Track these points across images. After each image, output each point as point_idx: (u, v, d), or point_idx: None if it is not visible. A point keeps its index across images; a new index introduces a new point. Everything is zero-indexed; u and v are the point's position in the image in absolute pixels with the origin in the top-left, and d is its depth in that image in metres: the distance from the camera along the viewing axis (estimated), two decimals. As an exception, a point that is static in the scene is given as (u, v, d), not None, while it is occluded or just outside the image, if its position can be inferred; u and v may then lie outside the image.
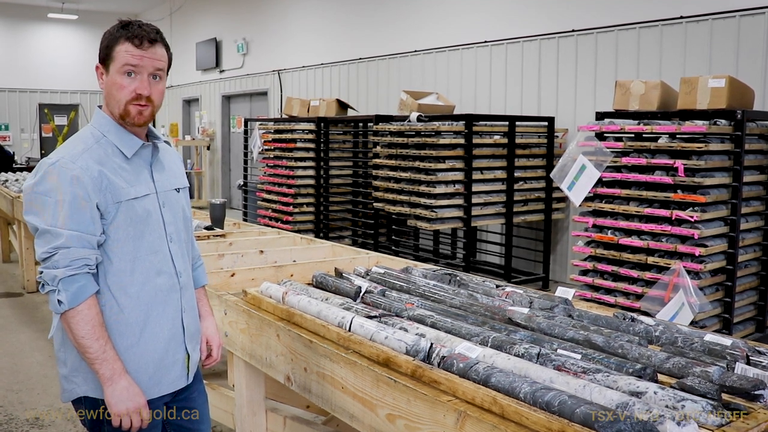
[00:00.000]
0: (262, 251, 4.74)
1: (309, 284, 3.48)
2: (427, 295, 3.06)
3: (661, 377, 2.16)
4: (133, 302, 2.18)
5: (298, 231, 10.45)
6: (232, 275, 3.95)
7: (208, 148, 17.60)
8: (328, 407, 2.61)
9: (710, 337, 2.44)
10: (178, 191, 2.39)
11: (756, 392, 1.97)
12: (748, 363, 2.23)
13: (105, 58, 2.19)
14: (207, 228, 5.44)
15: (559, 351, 2.29)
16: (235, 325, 3.23)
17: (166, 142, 2.44)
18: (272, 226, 10.75)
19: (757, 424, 1.81)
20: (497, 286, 3.26)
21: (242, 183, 13.31)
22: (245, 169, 13.03)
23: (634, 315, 2.74)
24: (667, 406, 1.86)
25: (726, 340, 2.41)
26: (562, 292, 3.06)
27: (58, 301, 2.04)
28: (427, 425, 2.12)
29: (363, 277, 3.48)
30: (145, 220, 2.21)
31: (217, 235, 5.36)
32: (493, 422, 1.91)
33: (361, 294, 3.10)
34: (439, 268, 3.69)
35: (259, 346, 3.05)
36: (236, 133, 16.64)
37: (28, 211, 2.10)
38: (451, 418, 2.03)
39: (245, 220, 12.52)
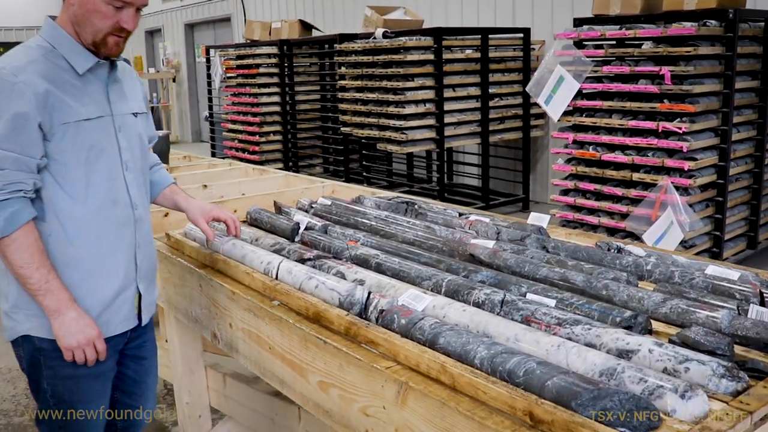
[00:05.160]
0: (205, 185, 4.24)
1: (243, 221, 3.00)
2: (376, 229, 2.60)
3: (656, 326, 1.72)
4: (83, 234, 1.98)
5: (265, 162, 9.94)
6: (165, 215, 3.46)
7: (174, 81, 16.86)
8: (257, 370, 2.17)
9: (713, 269, 2.00)
10: (136, 116, 2.16)
11: (777, 342, 1.54)
12: (763, 303, 1.79)
13: None
14: (149, 161, 4.91)
15: (529, 296, 1.84)
16: (159, 273, 2.76)
17: (125, 60, 2.16)
18: (239, 158, 10.25)
19: (783, 389, 1.38)
20: (460, 215, 2.80)
21: (208, 115, 12.71)
22: (210, 100, 12.40)
23: (621, 244, 2.29)
24: (666, 370, 1.42)
25: (733, 273, 1.97)
26: (535, 219, 2.61)
27: None
28: (364, 397, 1.68)
29: (306, 211, 3.01)
30: (98, 145, 2.00)
31: (160, 169, 4.84)
32: (442, 397, 1.47)
33: (299, 231, 2.63)
34: (396, 195, 3.22)
35: (184, 298, 2.60)
36: (202, 63, 15.81)
37: None
38: (390, 389, 1.59)
39: (213, 154, 11.96)
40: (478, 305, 1.81)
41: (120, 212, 2.04)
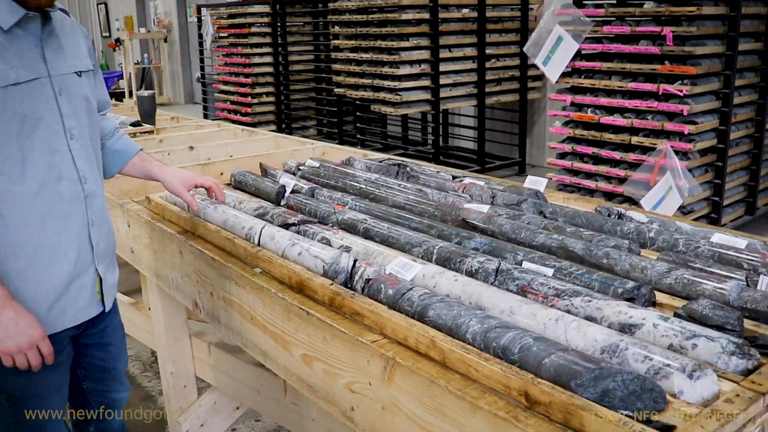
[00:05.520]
0: (192, 147, 4.10)
1: (227, 184, 2.88)
2: (365, 192, 2.48)
3: (660, 297, 1.61)
4: (23, 217, 1.72)
5: (258, 124, 9.78)
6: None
7: (165, 41, 16.53)
8: (239, 341, 2.07)
9: (719, 237, 1.89)
10: (80, 75, 1.86)
11: (790, 316, 1.44)
12: (774, 273, 1.69)
13: None
14: (134, 124, 4.77)
15: (525, 264, 1.73)
16: (140, 239, 2.65)
17: (62, 10, 1.86)
18: (232, 120, 10.08)
19: (798, 367, 1.28)
20: (454, 178, 2.68)
21: (200, 76, 12.49)
22: (202, 61, 12.17)
23: (621, 210, 2.18)
24: (671, 347, 1.32)
25: (739, 241, 1.86)
26: (532, 182, 2.49)
27: None
28: (349, 372, 1.58)
29: (293, 173, 2.88)
30: (36, 112, 1.71)
31: (145, 132, 4.71)
32: (431, 374, 1.36)
33: (284, 195, 2.51)
34: (387, 157, 3.09)
35: (164, 265, 2.48)
36: (194, 23, 15.50)
37: None
38: (376, 365, 1.49)
39: (206, 116, 11.78)
40: (471, 274, 1.71)
41: (66, 189, 1.78)
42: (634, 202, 5.18)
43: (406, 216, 2.16)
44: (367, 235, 2.05)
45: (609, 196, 5.44)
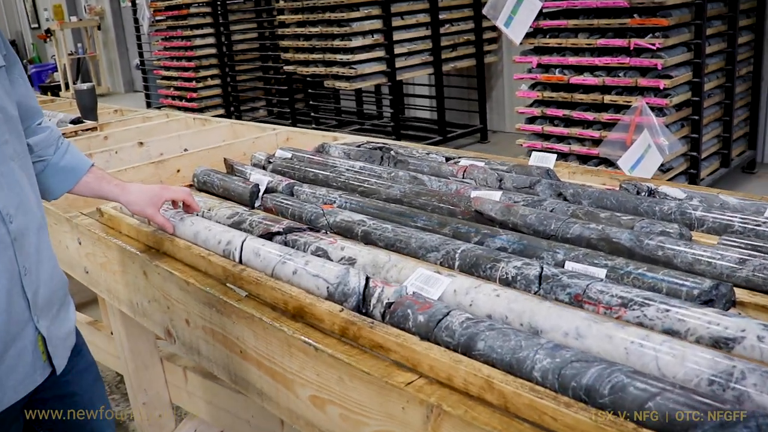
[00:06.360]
0: (141, 143, 3.72)
1: (190, 185, 2.54)
2: (352, 186, 2.17)
3: (739, 294, 1.34)
4: None
5: (205, 109, 9.33)
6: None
7: (99, 28, 15.79)
8: (227, 377, 1.75)
9: (779, 209, 1.64)
10: None
11: None
12: None
13: None
14: (74, 121, 4.35)
15: (569, 265, 1.45)
16: (94, 258, 2.30)
17: None
18: (176, 107, 9.60)
19: None
20: (448, 159, 2.38)
21: (139, 63, 11.91)
22: (140, 47, 11.60)
23: (651, 185, 1.90)
24: (796, 369, 1.05)
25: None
26: (538, 159, 2.21)
27: None
28: (376, 420, 1.28)
29: (263, 167, 2.55)
30: None
31: (87, 129, 4.30)
32: (493, 426, 1.07)
33: (258, 196, 2.19)
34: (366, 141, 2.77)
35: (126, 287, 2.14)
36: (128, 8, 14.80)
37: None
38: (415, 413, 1.19)
39: (149, 104, 11.25)
40: (507, 283, 1.42)
41: None
42: (610, 164, 4.97)
43: (409, 212, 1.86)
44: (368, 239, 1.75)
45: (584, 159, 5.21)
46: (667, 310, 1.21)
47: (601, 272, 1.39)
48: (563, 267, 1.45)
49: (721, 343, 1.13)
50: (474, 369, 1.14)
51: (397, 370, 1.25)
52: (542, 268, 1.39)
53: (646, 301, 1.23)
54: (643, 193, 1.88)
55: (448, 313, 1.25)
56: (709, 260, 1.41)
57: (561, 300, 1.33)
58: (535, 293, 1.37)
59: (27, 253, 1.42)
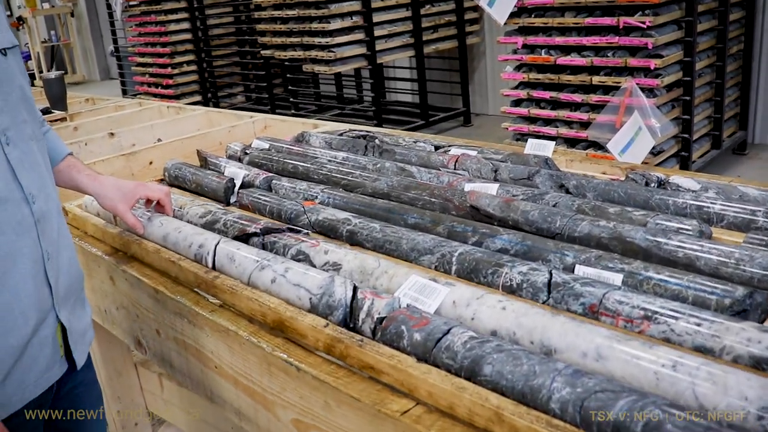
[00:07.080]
0: (112, 133, 3.53)
1: (161, 180, 2.36)
2: (335, 178, 2.00)
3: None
4: None
5: (182, 96, 9.10)
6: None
7: (72, 15, 15.42)
8: (203, 393, 1.59)
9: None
10: (5, 54, 1.32)
11: None
12: None
13: None
14: (43, 111, 4.14)
15: (580, 269, 1.30)
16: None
17: None
18: (153, 94, 9.35)
19: None
20: (437, 148, 2.22)
21: (113, 49, 11.61)
22: (114, 33, 11.30)
23: (660, 175, 1.76)
24: None
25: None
26: (535, 147, 2.05)
27: None
28: (368, 450, 1.13)
29: (239, 159, 2.38)
30: None
31: (57, 120, 4.10)
32: (504, 466, 0.92)
33: (234, 191, 2.02)
34: (348, 129, 2.61)
35: (92, 293, 1.97)
36: (101, -6, 14.56)
37: None
38: (412, 447, 1.04)
39: (124, 92, 10.99)
40: (511, 291, 1.26)
41: (8, 215, 1.27)
42: (600, 147, 4.83)
43: (398, 209, 1.70)
44: (353, 240, 1.59)
45: (572, 142, 5.07)
46: (698, 325, 1.06)
47: (617, 278, 1.24)
48: (573, 272, 1.30)
49: (763, 364, 0.99)
50: (480, 398, 0.99)
51: (390, 396, 1.10)
52: (551, 274, 1.24)
53: (673, 313, 1.09)
54: (652, 184, 1.73)
55: (448, 331, 1.09)
56: (737, 263, 1.26)
57: (574, 311, 1.18)
58: (543, 303, 1.22)
59: (50, 237, 1.34)
